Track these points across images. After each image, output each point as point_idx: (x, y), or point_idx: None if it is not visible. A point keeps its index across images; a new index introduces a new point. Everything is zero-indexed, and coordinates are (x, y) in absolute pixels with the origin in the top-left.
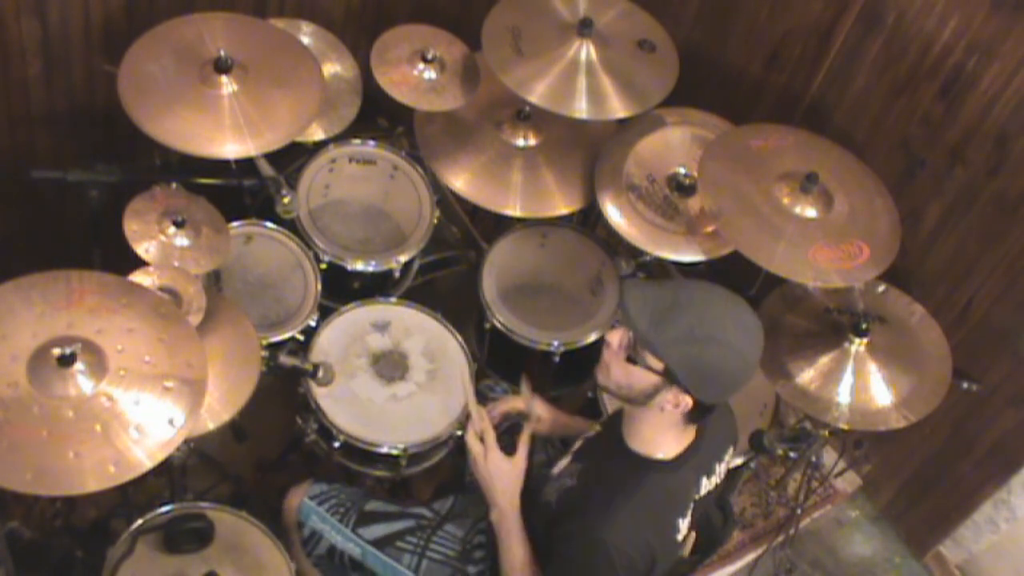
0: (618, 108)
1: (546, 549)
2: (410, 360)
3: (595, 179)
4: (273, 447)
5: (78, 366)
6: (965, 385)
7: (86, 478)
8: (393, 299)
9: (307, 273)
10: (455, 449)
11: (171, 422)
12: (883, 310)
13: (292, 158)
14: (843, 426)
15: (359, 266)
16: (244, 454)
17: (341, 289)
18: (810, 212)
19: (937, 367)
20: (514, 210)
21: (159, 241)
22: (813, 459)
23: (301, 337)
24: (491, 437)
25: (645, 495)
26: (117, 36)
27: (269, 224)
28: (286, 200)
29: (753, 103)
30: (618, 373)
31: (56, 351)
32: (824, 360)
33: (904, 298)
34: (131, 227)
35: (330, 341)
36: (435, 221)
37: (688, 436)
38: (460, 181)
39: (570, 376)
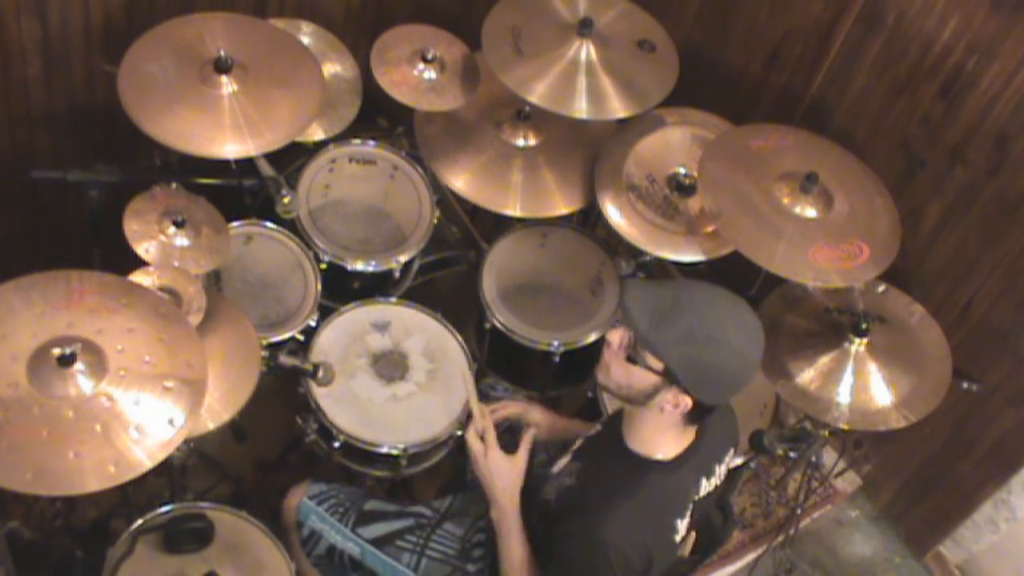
0: (618, 108)
1: (545, 547)
2: (410, 360)
3: (595, 179)
4: (273, 447)
5: (78, 366)
6: (965, 385)
7: (86, 478)
8: (393, 299)
9: (307, 273)
10: (455, 449)
11: (171, 422)
12: (883, 310)
13: (292, 158)
14: (843, 426)
15: (359, 266)
16: (244, 454)
17: (341, 289)
18: (810, 212)
19: (937, 367)
20: (514, 210)
21: (159, 241)
22: (813, 459)
23: (301, 337)
24: (492, 435)
25: (644, 495)
26: (117, 36)
27: (269, 224)
28: (286, 200)
29: (753, 103)
30: (618, 373)
31: (56, 351)
32: (824, 360)
33: (904, 298)
34: (131, 227)
35: (330, 341)
36: (435, 221)
37: (688, 437)
38: (460, 181)
39: (570, 376)
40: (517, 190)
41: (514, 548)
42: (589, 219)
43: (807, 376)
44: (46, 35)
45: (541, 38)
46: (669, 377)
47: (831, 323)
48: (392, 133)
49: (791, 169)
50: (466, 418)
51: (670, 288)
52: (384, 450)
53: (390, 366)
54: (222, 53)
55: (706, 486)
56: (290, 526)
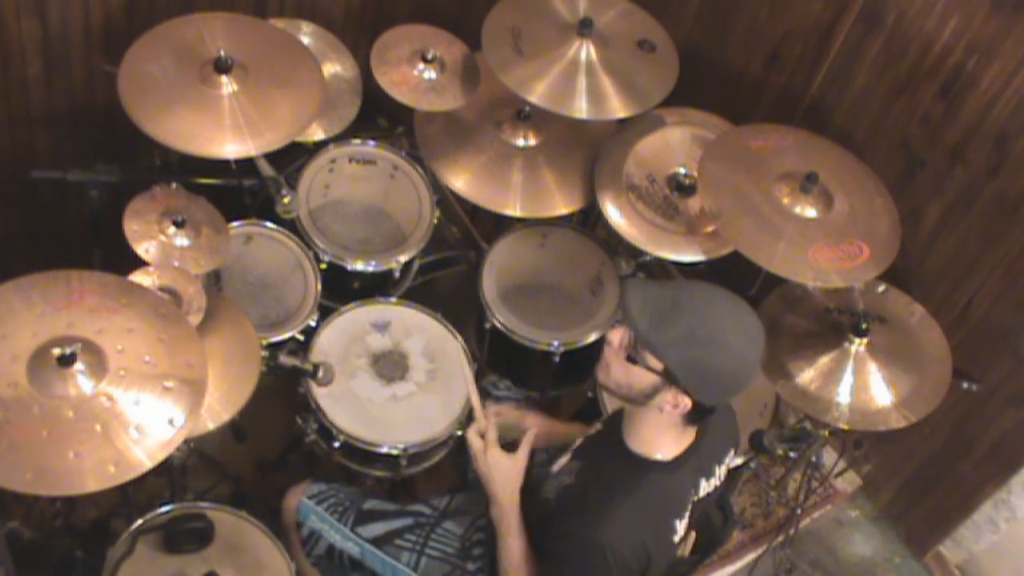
0: (618, 108)
1: (543, 546)
2: (410, 360)
3: (595, 179)
4: (273, 447)
5: (78, 366)
6: (965, 385)
7: (86, 478)
8: (393, 299)
9: (307, 273)
10: (455, 449)
11: (171, 422)
12: (883, 310)
13: (292, 158)
14: (843, 426)
15: (359, 266)
16: (244, 454)
17: (341, 289)
18: (810, 212)
19: (937, 367)
20: (514, 210)
21: (159, 241)
22: (813, 459)
23: (301, 337)
24: (492, 433)
25: (642, 496)
26: (117, 36)
27: (269, 224)
28: (286, 200)
29: (753, 103)
30: (618, 372)
31: (56, 351)
32: (824, 360)
33: (904, 298)
34: (131, 227)
35: (330, 341)
36: (435, 221)
37: (688, 437)
38: (460, 181)
39: (570, 376)
40: (517, 190)
41: (513, 546)
42: (589, 219)
43: (807, 376)
44: (46, 35)
45: (541, 38)
46: (669, 377)
47: (831, 323)
48: (392, 133)
49: (791, 169)
50: (466, 418)
51: (671, 288)
52: (384, 450)
53: (390, 366)
54: (222, 53)
55: (706, 486)
56: (290, 526)
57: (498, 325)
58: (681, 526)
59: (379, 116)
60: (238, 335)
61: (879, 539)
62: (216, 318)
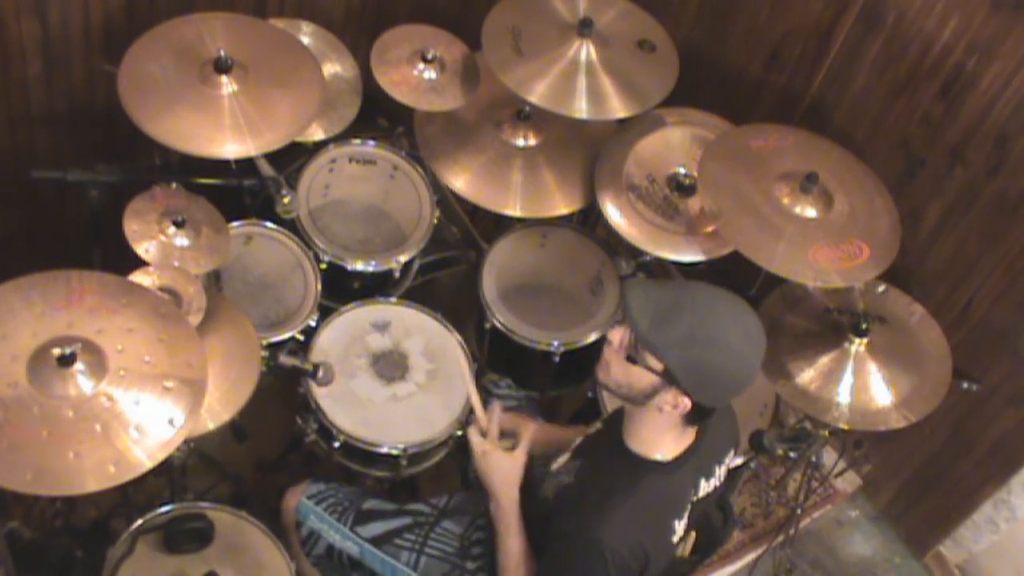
0: (618, 108)
1: (542, 544)
2: (410, 360)
3: (595, 179)
4: (273, 447)
5: (78, 366)
6: (965, 385)
7: (86, 478)
8: (393, 299)
9: (307, 273)
10: (455, 449)
11: (171, 422)
12: (883, 310)
13: (292, 158)
14: (843, 426)
15: (359, 266)
16: (244, 454)
17: (341, 289)
18: (810, 212)
19: (937, 367)
20: (514, 210)
21: (159, 241)
22: (813, 459)
23: (301, 337)
24: (493, 432)
25: (641, 496)
26: (117, 36)
27: (269, 224)
28: (286, 200)
29: (753, 103)
30: (618, 372)
31: (56, 351)
32: (824, 360)
33: (904, 298)
34: (131, 227)
35: (330, 341)
36: (435, 221)
37: (688, 438)
38: (460, 181)
39: (570, 376)
40: (517, 190)
41: (512, 545)
42: (589, 219)
43: (807, 376)
44: (46, 35)
45: (541, 38)
46: (668, 378)
47: (831, 323)
48: (392, 133)
49: (791, 169)
50: (466, 417)
51: (671, 288)
52: (384, 450)
53: (390, 366)
54: (222, 53)
55: (705, 487)
56: (289, 526)
57: (498, 325)
58: (680, 526)
59: (379, 116)
60: (238, 335)
61: (879, 539)
62: (216, 318)
